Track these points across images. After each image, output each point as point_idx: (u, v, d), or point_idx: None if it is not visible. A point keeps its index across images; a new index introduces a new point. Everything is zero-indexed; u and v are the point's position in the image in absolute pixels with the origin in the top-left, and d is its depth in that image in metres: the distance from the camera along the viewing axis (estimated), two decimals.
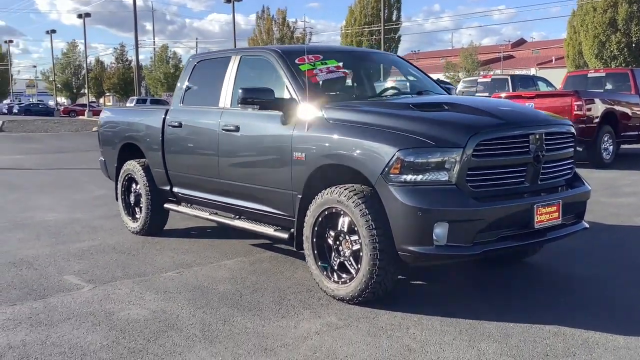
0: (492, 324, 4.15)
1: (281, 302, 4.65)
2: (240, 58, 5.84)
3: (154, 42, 79.25)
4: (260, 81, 5.54)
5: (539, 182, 4.55)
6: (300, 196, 4.89)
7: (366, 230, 4.31)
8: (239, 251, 6.18)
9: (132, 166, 7.01)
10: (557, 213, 4.51)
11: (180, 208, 6.45)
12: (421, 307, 4.49)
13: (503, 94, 13.75)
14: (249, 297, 4.77)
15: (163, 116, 6.50)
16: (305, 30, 48.13)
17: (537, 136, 4.46)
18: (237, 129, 5.51)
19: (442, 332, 4.04)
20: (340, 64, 5.55)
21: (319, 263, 4.74)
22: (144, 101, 42.04)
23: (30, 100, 78.73)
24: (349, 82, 5.74)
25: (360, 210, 4.34)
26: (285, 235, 5.07)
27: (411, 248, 4.19)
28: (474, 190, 4.21)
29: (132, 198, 7.16)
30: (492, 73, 19.57)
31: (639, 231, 7.00)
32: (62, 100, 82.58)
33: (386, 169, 4.22)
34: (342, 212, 4.50)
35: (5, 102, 78.18)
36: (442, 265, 5.48)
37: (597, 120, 12.41)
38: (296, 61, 5.34)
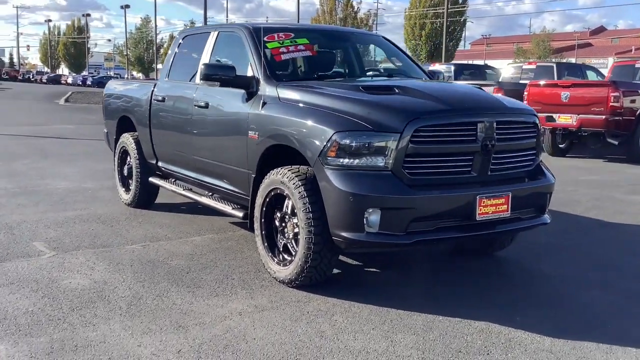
0: (421, 317, 4.02)
1: (223, 280, 4.64)
2: (218, 34, 5.81)
3: (227, 19, 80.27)
4: (232, 57, 5.50)
5: (489, 173, 4.34)
6: (254, 176, 4.84)
7: (303, 213, 4.23)
8: (215, 228, 6.19)
9: (126, 139, 7.11)
10: (505, 206, 4.30)
11: (161, 182, 6.51)
12: (361, 294, 4.38)
13: (542, 82, 13.22)
14: (195, 274, 4.77)
15: (151, 90, 6.54)
16: (370, 12, 47.54)
17: (487, 124, 4.24)
18: (206, 105, 5.49)
19: (366, 321, 3.93)
20: (311, 43, 5.43)
21: (266, 244, 4.69)
22: None
23: (109, 73, 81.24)
24: (316, 61, 5.60)
25: (299, 192, 4.26)
26: (240, 214, 5.05)
27: (343, 234, 4.08)
28: (411, 177, 4.06)
29: (125, 170, 7.26)
30: (536, 60, 18.78)
31: (634, 230, 6.59)
32: (136, 74, 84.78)
33: (323, 151, 4.12)
34: (286, 194, 4.43)
35: (82, 74, 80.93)
36: (402, 252, 5.36)
37: (638, 113, 11.75)
38: (265, 39, 5.26)
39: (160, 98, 6.32)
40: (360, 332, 3.77)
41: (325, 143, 4.11)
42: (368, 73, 5.78)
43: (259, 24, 5.83)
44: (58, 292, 4.33)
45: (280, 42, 5.25)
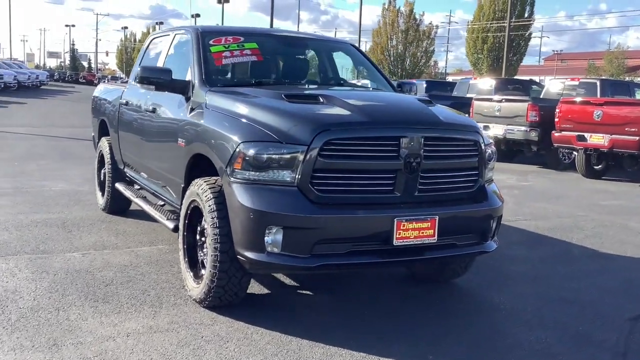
0: (322, 349, 3.65)
1: (138, 296, 4.36)
2: (174, 36, 5.57)
3: (297, 29, 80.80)
4: (182, 61, 5.23)
5: (416, 194, 3.89)
6: (182, 186, 4.56)
7: (211, 228, 3.92)
8: (172, 239, 5.92)
9: (103, 143, 6.98)
10: (431, 230, 3.84)
11: (122, 188, 6.30)
12: (274, 319, 4.04)
13: (576, 99, 12.46)
14: (114, 287, 4.52)
15: (121, 94, 6.37)
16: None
17: (412, 140, 3.81)
18: (153, 110, 5.26)
19: (258, 351, 3.58)
20: (261, 48, 5.11)
21: (186, 259, 4.39)
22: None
23: None
24: (260, 67, 5.26)
25: (209, 206, 3.94)
26: (171, 226, 4.76)
27: (245, 253, 3.74)
28: (320, 195, 3.67)
29: (102, 175, 7.12)
30: (580, 76, 17.69)
31: (625, 263, 5.92)
32: None
33: (230, 162, 3.80)
34: (201, 207, 4.12)
35: None
36: (351, 275, 4.95)
37: None
38: (211, 42, 4.99)
39: (124, 102, 6.13)
40: None
41: (231, 154, 3.78)
42: (314, 82, 5.40)
43: (210, 27, 5.56)
44: None
45: (226, 46, 4.96)
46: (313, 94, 4.31)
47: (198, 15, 75.93)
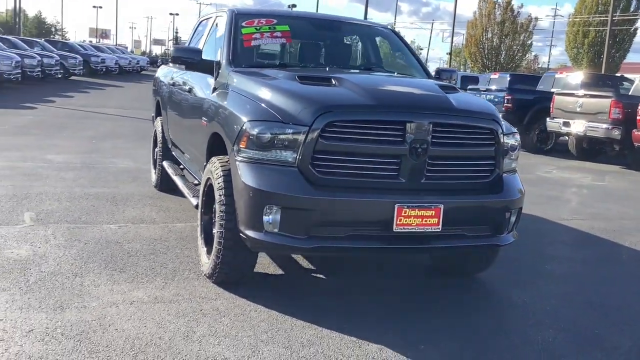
0: (314, 331, 3.65)
1: (155, 268, 4.51)
2: (216, 18, 5.68)
3: (394, 21, 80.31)
4: (218, 42, 5.32)
5: (423, 181, 3.80)
6: (205, 164, 4.66)
7: (219, 205, 4.00)
8: None
9: (157, 123, 7.22)
10: (435, 219, 3.74)
11: (166, 166, 6.49)
12: (275, 300, 4.06)
13: None
14: (136, 258, 4.68)
15: (171, 75, 6.57)
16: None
17: (419, 126, 3.72)
18: (189, 90, 5.40)
19: (249, 327, 3.63)
20: (294, 31, 5.12)
21: (202, 235, 4.49)
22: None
23: None
24: (288, 49, 5.26)
25: (219, 183, 4.02)
26: (194, 202, 4.88)
27: (246, 231, 3.79)
28: (321, 176, 3.66)
29: (155, 154, 7.37)
30: None
31: None
32: None
33: (237, 140, 3.85)
34: (213, 184, 4.20)
35: None
36: (375, 261, 4.90)
37: None
38: (243, 23, 5.05)
39: (172, 82, 6.32)
40: (231, 338, 3.47)
41: (238, 132, 3.83)
42: (343, 65, 5.33)
43: (246, 9, 5.62)
44: None
45: (257, 28, 5.01)
46: (326, 76, 4.27)
47: (294, 6, 76.79)
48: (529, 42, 45.46)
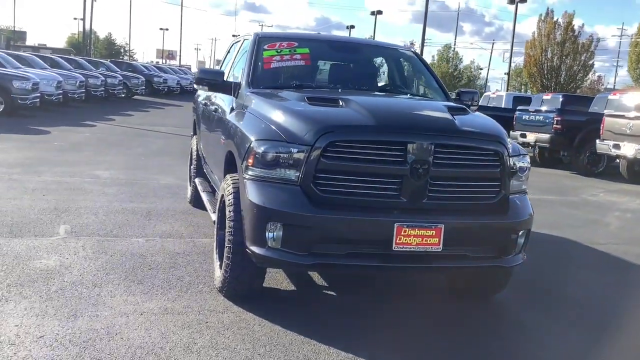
0: (311, 347, 3.71)
1: (172, 281, 4.68)
2: (243, 41, 5.87)
3: (454, 42, 79.73)
4: (243, 64, 5.51)
5: (425, 201, 3.85)
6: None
7: (228, 221, 4.14)
8: None
9: (192, 141, 7.47)
10: (436, 239, 3.78)
11: (197, 182, 6.70)
12: (285, 315, 4.17)
13: None
14: (156, 271, 4.87)
15: (205, 94, 6.80)
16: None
17: (420, 146, 3.77)
18: (215, 110, 5.60)
19: (250, 340, 3.73)
20: (313, 53, 5.27)
21: (217, 249, 4.64)
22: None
23: None
24: (307, 71, 5.39)
25: (229, 200, 4.17)
26: (213, 218, 5.04)
27: (251, 247, 3.92)
28: (323, 195, 3.76)
29: (190, 170, 7.61)
30: None
31: None
32: None
33: (245, 158, 4.00)
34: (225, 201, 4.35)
35: None
36: (395, 283, 4.94)
37: None
38: (265, 46, 5.22)
39: (204, 102, 6.55)
40: (229, 351, 3.59)
41: (246, 151, 3.98)
42: (361, 87, 5.41)
43: (270, 33, 5.80)
44: (18, 268, 4.68)
45: (278, 50, 5.17)
46: (334, 97, 4.37)
47: (352, 27, 77.41)
48: (591, 62, 44.35)
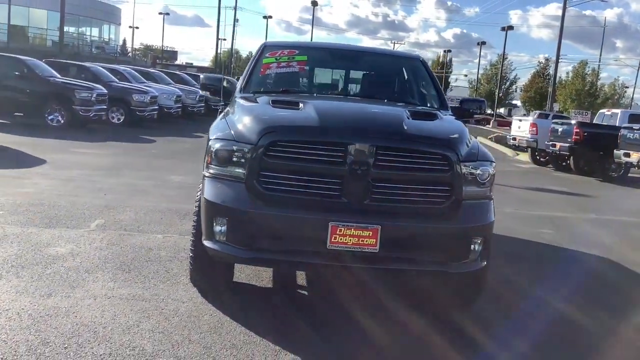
0: (242, 337, 3.86)
1: (159, 272, 4.99)
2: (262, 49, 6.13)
3: (600, 57, 75.95)
4: None
5: (367, 202, 3.88)
6: None
7: (193, 215, 4.39)
8: None
9: None
10: (372, 240, 3.80)
11: None
12: (244, 309, 4.35)
13: None
14: (151, 263, 5.21)
15: None
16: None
17: (360, 148, 3.82)
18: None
19: (189, 329, 3.93)
20: (311, 60, 5.42)
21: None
22: (545, 116, 41.03)
23: None
24: (300, 78, 5.51)
25: (196, 198, 4.42)
26: None
27: (204, 241, 4.14)
28: (265, 192, 3.90)
29: None
30: None
31: None
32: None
33: (205, 157, 4.24)
34: None
35: None
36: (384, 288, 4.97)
37: None
38: (267, 54, 5.45)
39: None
40: (164, 334, 3.83)
41: (206, 149, 4.22)
42: (351, 92, 5.46)
43: (278, 42, 5.98)
44: (32, 253, 5.19)
45: (277, 58, 5.37)
46: (296, 101, 4.50)
47: (484, 43, 75.84)
48: None
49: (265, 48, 5.55)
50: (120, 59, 59.59)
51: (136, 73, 23.57)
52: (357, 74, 5.89)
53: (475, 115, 5.47)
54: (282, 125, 3.99)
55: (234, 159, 3.97)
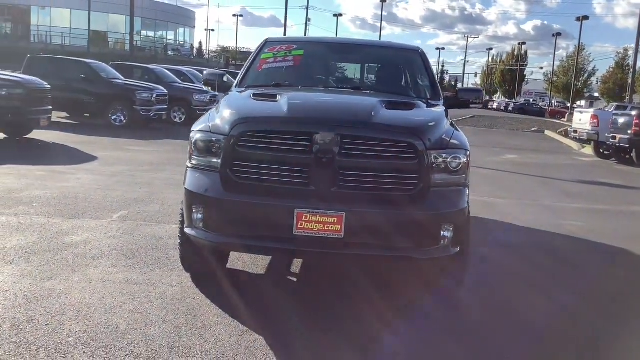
0: (220, 328, 4.04)
1: (160, 259, 5.25)
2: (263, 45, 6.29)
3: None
4: None
5: (334, 190, 3.98)
6: None
7: (181, 205, 4.62)
8: None
9: None
10: (337, 226, 3.90)
11: None
12: (227, 296, 4.51)
13: None
14: (156, 251, 5.47)
15: None
16: None
17: (325, 137, 3.93)
18: None
19: (168, 310, 4.15)
20: (307, 55, 5.55)
21: None
22: (624, 107, 39.56)
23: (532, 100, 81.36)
24: (293, 72, 5.61)
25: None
26: None
27: (185, 228, 4.36)
28: (238, 181, 4.08)
29: None
30: None
31: None
32: (555, 102, 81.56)
33: (188, 149, 4.45)
34: None
35: (513, 100, 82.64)
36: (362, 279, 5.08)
37: None
38: (267, 49, 5.62)
39: None
40: (141, 315, 4.05)
41: (189, 141, 4.44)
42: (343, 86, 5.54)
43: (280, 38, 6.13)
44: (48, 241, 5.56)
45: (275, 53, 5.53)
46: (274, 93, 4.64)
47: (559, 34, 73.14)
48: None
49: (266, 44, 5.72)
50: (195, 61, 61.36)
51: (199, 73, 24.32)
52: (351, 67, 5.98)
53: (472, 105, 5.44)
54: (252, 117, 4.16)
55: (212, 150, 4.16)
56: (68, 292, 4.35)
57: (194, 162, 4.31)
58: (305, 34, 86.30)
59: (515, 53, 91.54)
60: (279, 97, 4.49)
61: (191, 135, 4.35)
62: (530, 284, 5.34)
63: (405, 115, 4.42)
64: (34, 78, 13.58)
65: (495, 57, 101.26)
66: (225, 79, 5.67)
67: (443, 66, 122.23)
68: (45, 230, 5.91)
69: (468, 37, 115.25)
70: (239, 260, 5.27)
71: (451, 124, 4.74)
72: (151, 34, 67.88)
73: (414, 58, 5.96)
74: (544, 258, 6.28)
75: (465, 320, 4.39)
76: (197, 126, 4.39)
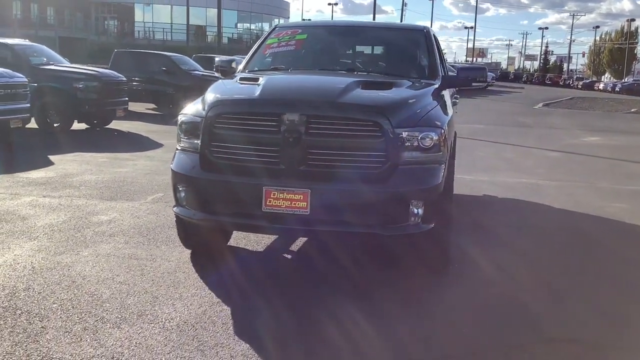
0: (203, 302, 4.28)
1: (170, 238, 5.49)
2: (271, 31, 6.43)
3: None
4: None
5: (303, 168, 4.10)
6: None
7: None
8: None
9: None
10: (304, 203, 4.04)
11: None
12: (218, 272, 4.76)
13: None
14: (170, 230, 5.74)
15: None
16: None
17: (291, 117, 4.06)
18: None
19: (159, 283, 4.43)
20: (310, 39, 5.66)
21: None
22: None
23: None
24: (294, 56, 5.70)
25: None
26: None
27: (173, 208, 4.63)
28: (215, 161, 4.29)
29: None
30: None
31: None
32: None
33: (177, 131, 4.72)
34: None
35: (622, 80, 78.35)
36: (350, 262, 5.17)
37: None
38: (273, 35, 5.79)
39: None
40: (129, 286, 4.34)
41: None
42: (344, 69, 5.58)
43: (291, 23, 6.26)
44: (76, 220, 6.01)
45: (280, 38, 5.68)
46: (257, 77, 4.80)
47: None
48: None
49: (274, 30, 5.89)
50: None
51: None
52: (351, 50, 6.02)
53: (475, 84, 5.35)
54: (226, 99, 4.37)
55: (194, 132, 4.39)
56: (72, 265, 4.71)
57: (180, 144, 4.55)
58: (401, 20, 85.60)
59: (625, 30, 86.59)
60: (260, 80, 4.66)
61: (178, 118, 4.60)
62: (532, 264, 5.24)
63: (376, 94, 4.46)
64: (109, 71, 14.43)
65: (603, 36, 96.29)
66: (233, 64, 5.87)
67: (547, 46, 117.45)
68: (79, 210, 6.38)
69: (574, 15, 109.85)
70: (244, 239, 5.48)
71: (442, 103, 4.73)
72: (246, 25, 69.57)
73: (415, 38, 5.92)
74: (557, 238, 6.10)
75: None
76: (184, 110, 4.63)
